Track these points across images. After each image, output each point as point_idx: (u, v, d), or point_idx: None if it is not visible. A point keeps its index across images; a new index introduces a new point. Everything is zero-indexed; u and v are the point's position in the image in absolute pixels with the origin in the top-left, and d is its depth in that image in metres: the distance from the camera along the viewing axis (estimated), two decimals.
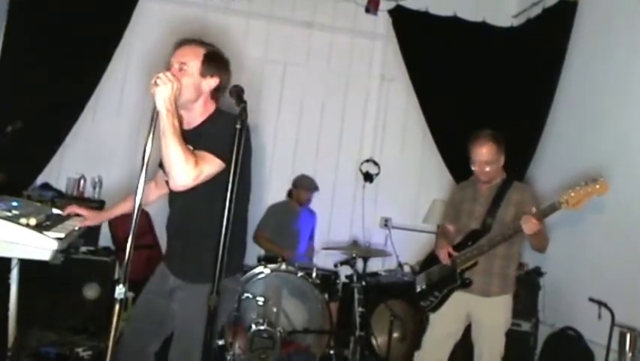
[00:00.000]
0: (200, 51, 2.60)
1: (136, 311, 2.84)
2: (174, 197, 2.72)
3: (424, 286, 3.86)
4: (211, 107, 2.67)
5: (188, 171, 2.35)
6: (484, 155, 3.57)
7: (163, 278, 2.74)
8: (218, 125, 2.56)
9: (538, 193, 3.78)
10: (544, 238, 3.48)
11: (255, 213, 5.54)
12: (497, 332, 3.53)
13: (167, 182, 2.68)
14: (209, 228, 2.47)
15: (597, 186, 3.21)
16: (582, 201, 3.22)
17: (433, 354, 3.67)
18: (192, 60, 2.57)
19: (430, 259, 3.90)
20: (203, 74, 2.59)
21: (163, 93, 2.30)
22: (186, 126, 2.63)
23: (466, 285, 3.57)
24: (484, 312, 3.55)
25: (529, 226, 3.26)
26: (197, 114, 2.64)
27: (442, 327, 3.68)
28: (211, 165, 2.43)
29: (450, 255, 3.63)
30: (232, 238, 2.24)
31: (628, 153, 4.46)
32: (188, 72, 2.54)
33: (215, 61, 2.64)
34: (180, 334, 2.64)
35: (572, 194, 3.21)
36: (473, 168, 3.65)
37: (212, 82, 2.62)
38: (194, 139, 2.54)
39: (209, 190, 2.49)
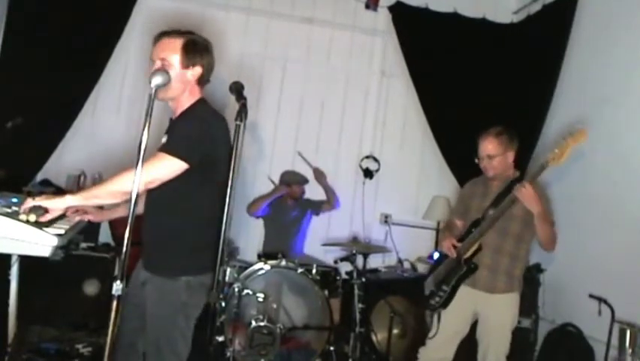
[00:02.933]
0: (178, 43, 2.61)
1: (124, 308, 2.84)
2: (148, 193, 2.73)
3: (432, 288, 3.83)
4: (196, 95, 2.70)
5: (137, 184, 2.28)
6: (487, 150, 3.57)
7: (138, 272, 2.78)
8: (189, 119, 2.59)
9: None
10: (548, 224, 3.44)
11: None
12: (503, 329, 3.52)
13: None
14: (176, 223, 2.55)
15: (577, 135, 3.24)
16: (565, 153, 3.23)
17: (439, 352, 3.66)
18: (172, 54, 2.59)
19: (435, 265, 3.89)
20: (185, 66, 2.62)
21: (58, 208, 2.41)
22: (173, 116, 2.73)
23: (472, 270, 3.54)
24: (490, 309, 3.54)
25: (527, 195, 3.28)
26: (184, 102, 2.68)
27: (449, 325, 3.66)
28: (164, 168, 2.45)
29: (455, 247, 3.62)
30: (204, 238, 2.26)
31: (627, 148, 4.45)
32: (170, 67, 2.56)
33: (195, 49, 2.66)
34: (149, 333, 2.66)
35: (556, 150, 3.24)
36: (481, 166, 3.65)
37: (195, 71, 2.65)
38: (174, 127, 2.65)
39: (177, 187, 2.54)
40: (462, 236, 3.68)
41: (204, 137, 2.54)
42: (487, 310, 3.55)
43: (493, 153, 3.57)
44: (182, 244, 2.53)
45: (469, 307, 3.61)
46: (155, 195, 2.65)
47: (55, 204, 2.40)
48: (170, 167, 2.46)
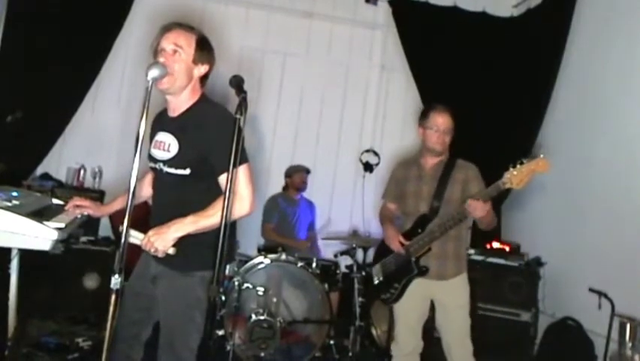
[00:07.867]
0: (193, 37, 2.62)
1: (125, 299, 2.71)
2: (162, 189, 2.74)
3: (381, 278, 3.80)
4: (197, 94, 2.68)
5: (244, 209, 2.61)
6: (444, 124, 3.57)
7: (146, 264, 2.73)
8: (218, 123, 2.55)
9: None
10: (492, 219, 3.46)
11: (257, 204, 5.55)
12: (462, 311, 3.54)
13: (153, 176, 2.80)
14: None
15: (539, 163, 3.19)
16: (524, 179, 3.20)
17: (409, 342, 3.65)
18: (186, 46, 2.58)
19: (383, 249, 3.83)
20: (195, 62, 2.61)
21: (166, 244, 2.46)
22: (172, 113, 2.68)
23: (423, 273, 3.54)
24: (445, 295, 3.56)
25: (478, 211, 3.26)
26: (184, 100, 2.65)
27: (409, 316, 3.65)
28: (247, 178, 2.58)
29: (402, 244, 3.59)
30: (218, 232, 2.25)
31: (628, 141, 4.45)
32: (182, 58, 2.57)
33: (206, 48, 2.67)
34: (163, 328, 2.65)
35: (515, 173, 3.19)
36: (431, 140, 3.60)
37: (202, 69, 2.65)
38: (180, 127, 2.60)
39: (199, 184, 2.58)
40: (408, 231, 3.64)
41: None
42: (441, 296, 3.57)
43: (449, 128, 3.58)
44: (201, 238, 2.49)
45: (424, 294, 3.60)
46: (175, 192, 2.64)
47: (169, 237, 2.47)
48: (250, 173, 2.62)
